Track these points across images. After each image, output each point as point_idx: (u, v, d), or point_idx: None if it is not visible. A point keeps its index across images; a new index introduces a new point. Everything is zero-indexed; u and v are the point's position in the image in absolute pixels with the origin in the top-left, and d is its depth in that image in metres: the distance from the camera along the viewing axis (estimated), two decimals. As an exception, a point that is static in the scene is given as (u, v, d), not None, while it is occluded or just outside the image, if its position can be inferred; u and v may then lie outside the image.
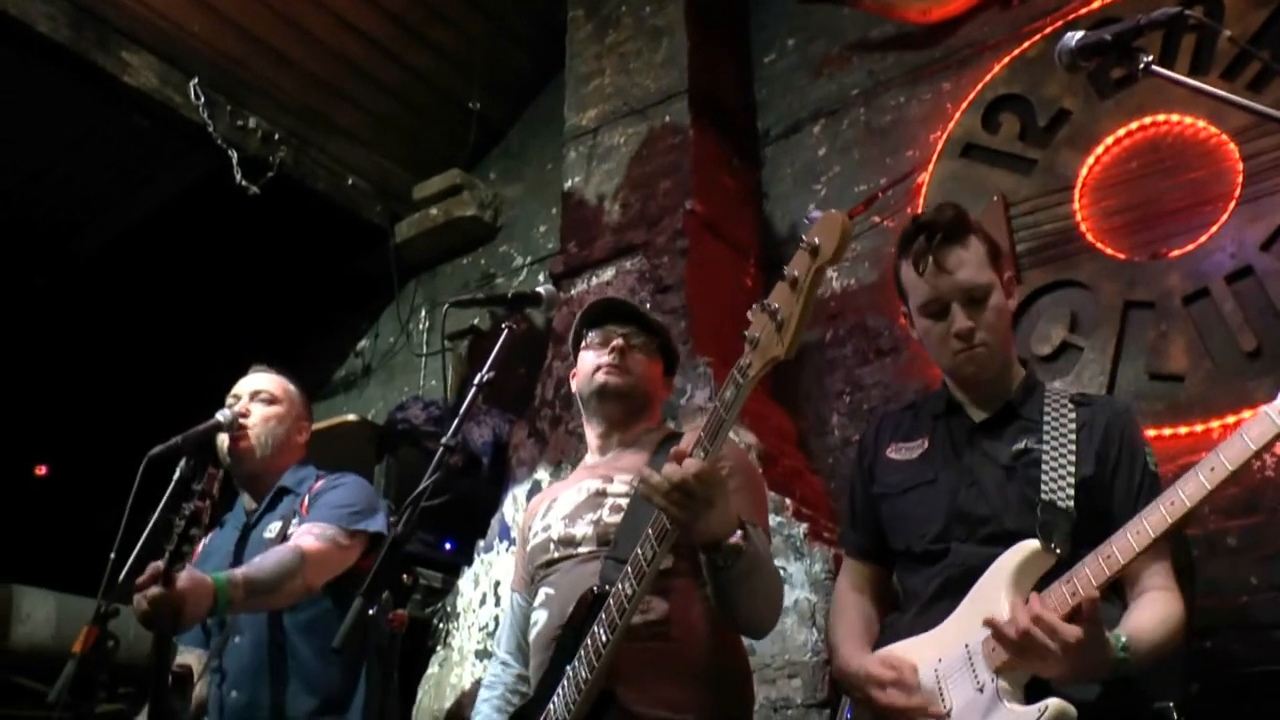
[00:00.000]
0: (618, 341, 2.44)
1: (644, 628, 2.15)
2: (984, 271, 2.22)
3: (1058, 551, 1.99)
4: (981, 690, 1.95)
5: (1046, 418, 2.19)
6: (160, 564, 2.43)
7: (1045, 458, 2.12)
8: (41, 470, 7.26)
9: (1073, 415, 2.17)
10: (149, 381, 6.44)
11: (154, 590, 2.38)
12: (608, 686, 2.06)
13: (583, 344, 2.54)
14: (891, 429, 2.44)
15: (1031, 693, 1.92)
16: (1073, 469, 2.08)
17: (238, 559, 2.94)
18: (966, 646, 2.01)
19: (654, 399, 2.54)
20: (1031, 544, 2.01)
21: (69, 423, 6.72)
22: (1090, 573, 1.89)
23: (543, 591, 2.37)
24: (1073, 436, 2.13)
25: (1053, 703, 1.85)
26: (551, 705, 2.10)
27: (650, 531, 2.00)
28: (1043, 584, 1.99)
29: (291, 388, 3.18)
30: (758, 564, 2.08)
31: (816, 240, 1.79)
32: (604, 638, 2.02)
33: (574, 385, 2.57)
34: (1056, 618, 1.85)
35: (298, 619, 2.81)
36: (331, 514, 2.85)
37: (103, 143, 5.99)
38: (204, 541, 3.15)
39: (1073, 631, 1.82)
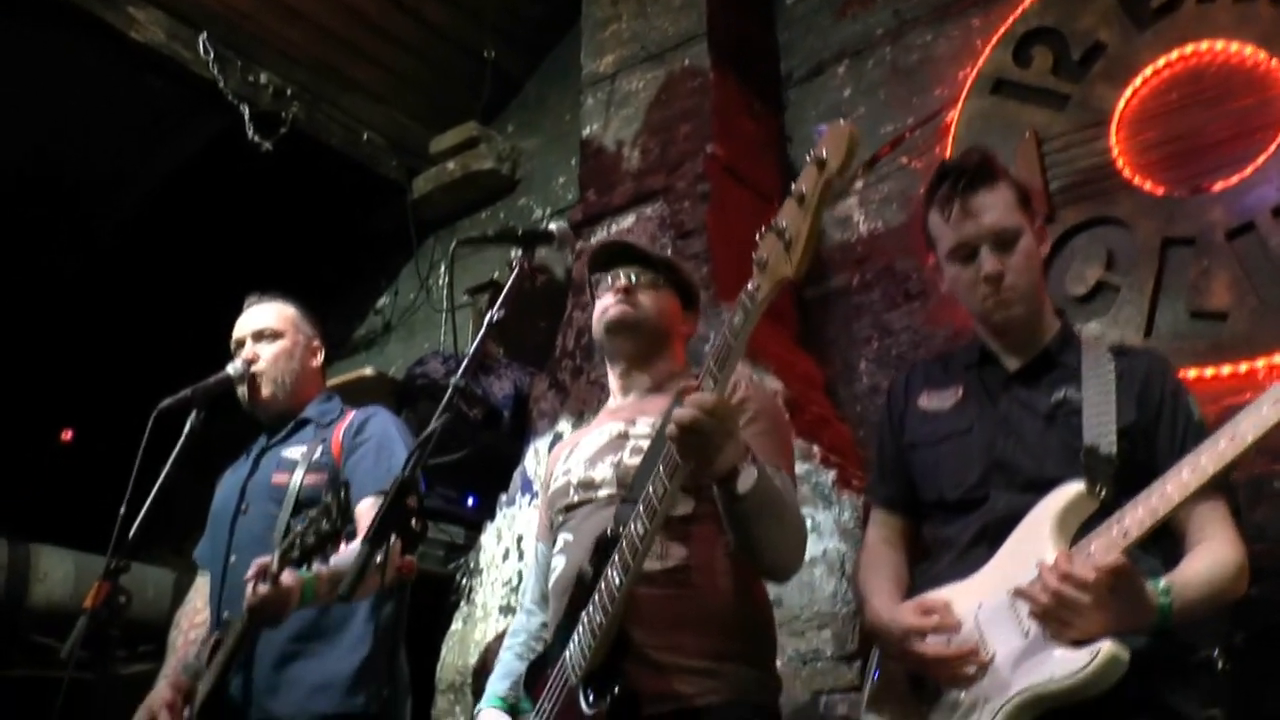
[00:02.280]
0: (622, 281, 2.39)
1: (664, 574, 2.11)
2: (1013, 215, 2.17)
3: (1102, 494, 1.93)
4: (1027, 635, 1.88)
5: (1085, 367, 2.13)
6: (269, 561, 2.43)
7: (1085, 406, 2.06)
8: (68, 435, 7.25)
9: (1111, 365, 2.11)
10: (170, 344, 6.40)
11: (263, 589, 2.41)
12: (626, 631, 2.00)
13: (595, 292, 2.50)
14: (922, 379, 2.37)
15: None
16: (1114, 417, 2.02)
17: (249, 478, 2.94)
18: (1009, 592, 1.93)
19: (670, 334, 2.46)
20: (1076, 486, 1.95)
21: (93, 385, 6.70)
22: (1144, 512, 1.82)
23: (561, 537, 2.33)
24: (1112, 385, 2.07)
25: (1105, 646, 1.77)
26: (568, 651, 2.04)
27: (661, 467, 1.94)
28: (1085, 529, 1.92)
29: (291, 311, 3.10)
30: (771, 496, 2.01)
31: (824, 153, 1.72)
32: (617, 580, 1.96)
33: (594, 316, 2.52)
34: (1088, 570, 1.78)
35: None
36: (383, 480, 2.76)
37: (116, 107, 5.91)
38: (227, 472, 3.13)
39: (1104, 580, 1.76)
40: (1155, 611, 1.81)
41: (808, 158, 1.75)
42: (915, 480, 2.28)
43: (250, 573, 2.46)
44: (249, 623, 2.51)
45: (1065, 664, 1.80)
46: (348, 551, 2.58)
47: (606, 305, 2.40)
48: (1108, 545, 1.83)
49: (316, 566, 2.54)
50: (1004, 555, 2.00)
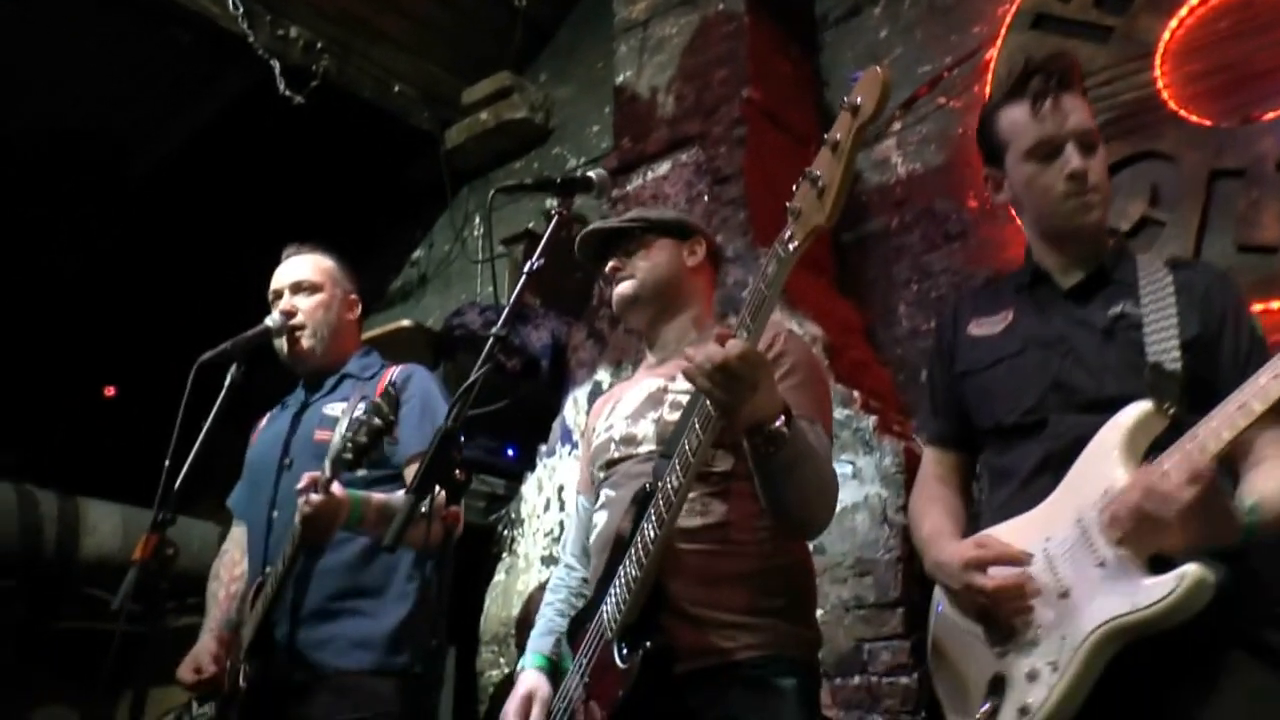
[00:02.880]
0: (609, 266, 2.37)
1: (702, 530, 2.09)
2: (1094, 121, 2.11)
3: (1171, 412, 1.84)
4: (1103, 565, 1.79)
5: (1142, 281, 2.03)
6: (322, 473, 2.43)
7: (1146, 320, 1.97)
8: (110, 391, 7.33)
9: (1169, 278, 2.02)
10: (208, 298, 6.44)
11: (316, 497, 2.41)
12: (664, 586, 2.00)
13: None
14: (971, 306, 2.29)
15: (1157, 564, 1.75)
16: (1176, 330, 1.93)
17: (292, 433, 2.91)
18: (1079, 521, 1.85)
19: (679, 280, 2.38)
20: (1144, 405, 1.86)
21: (134, 341, 6.77)
22: (1221, 424, 1.72)
23: (604, 493, 2.30)
24: (1171, 299, 1.97)
25: (1191, 569, 1.68)
26: (605, 605, 2.04)
27: (696, 421, 1.92)
28: (1152, 449, 1.84)
29: (329, 263, 3.07)
30: (804, 451, 1.97)
31: (858, 99, 1.69)
32: (651, 534, 1.95)
33: None
34: (1172, 484, 1.69)
35: None
36: (428, 440, 2.76)
37: (145, 61, 5.90)
38: (264, 420, 3.12)
39: (1189, 494, 1.67)
40: (1241, 529, 1.72)
41: (842, 103, 1.71)
42: (970, 409, 2.19)
43: (302, 484, 2.45)
44: (302, 534, 2.50)
45: (1149, 592, 1.71)
46: (399, 495, 2.59)
47: (610, 293, 2.40)
48: (1185, 461, 1.73)
49: (364, 492, 2.58)
50: (1070, 483, 1.91)
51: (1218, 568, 1.70)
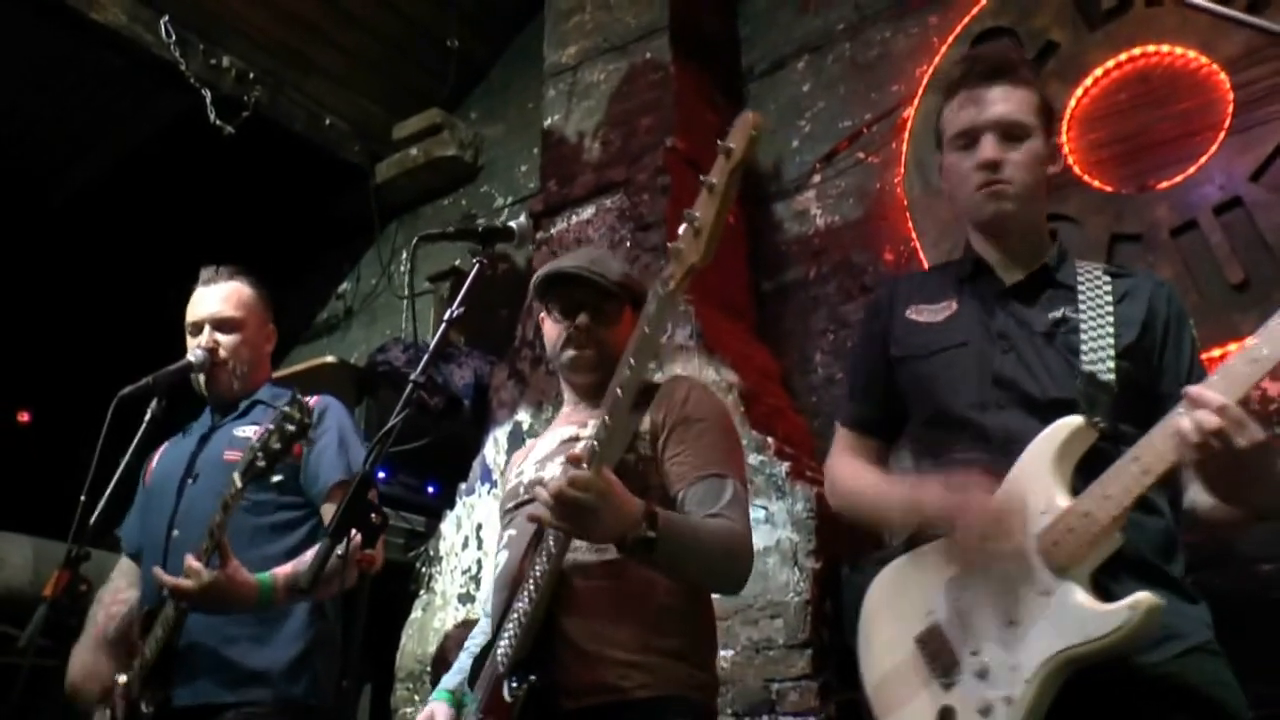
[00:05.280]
0: (582, 320, 2.32)
1: (600, 566, 2.09)
2: (1026, 113, 2.04)
3: (1101, 425, 1.84)
4: (1048, 593, 1.76)
5: (1081, 285, 2.03)
6: (231, 483, 2.41)
7: (1084, 326, 1.96)
8: (24, 417, 7.18)
9: (1109, 285, 2.01)
10: (129, 326, 6.37)
11: (201, 570, 2.39)
12: (560, 623, 2.03)
13: (545, 305, 2.42)
14: (909, 291, 2.23)
15: (1097, 586, 1.73)
16: (1112, 338, 1.93)
17: (198, 453, 2.88)
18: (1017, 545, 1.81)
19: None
20: (1073, 421, 1.84)
21: (50, 368, 6.66)
22: (1158, 443, 1.71)
23: (507, 534, 2.32)
24: (1110, 306, 1.97)
25: (1143, 598, 1.65)
26: (499, 642, 2.07)
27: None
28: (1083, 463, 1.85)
29: (248, 291, 3.03)
30: (684, 542, 1.98)
31: (731, 143, 1.74)
32: (539, 572, 1.99)
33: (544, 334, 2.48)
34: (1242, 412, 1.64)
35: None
36: (346, 470, 2.75)
37: (75, 84, 5.87)
38: (162, 448, 3.05)
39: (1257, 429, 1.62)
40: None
41: (717, 145, 1.76)
42: (906, 395, 2.15)
43: (190, 562, 2.41)
44: (190, 607, 2.47)
45: (1102, 621, 1.68)
46: (307, 558, 2.56)
47: (564, 340, 2.34)
48: (1131, 484, 1.72)
49: (275, 571, 2.53)
50: (1002, 499, 1.86)
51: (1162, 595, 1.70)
